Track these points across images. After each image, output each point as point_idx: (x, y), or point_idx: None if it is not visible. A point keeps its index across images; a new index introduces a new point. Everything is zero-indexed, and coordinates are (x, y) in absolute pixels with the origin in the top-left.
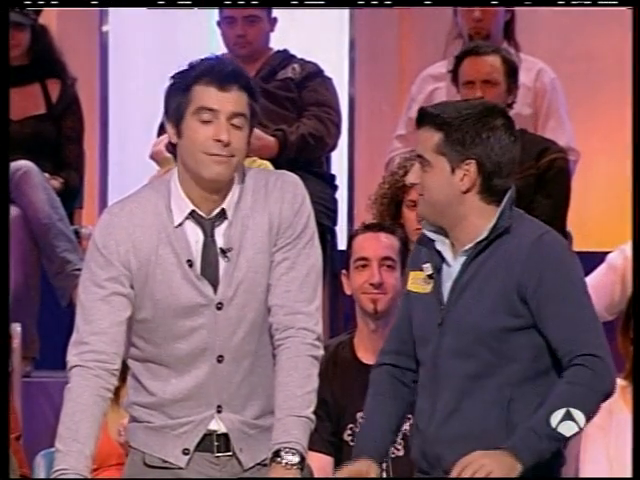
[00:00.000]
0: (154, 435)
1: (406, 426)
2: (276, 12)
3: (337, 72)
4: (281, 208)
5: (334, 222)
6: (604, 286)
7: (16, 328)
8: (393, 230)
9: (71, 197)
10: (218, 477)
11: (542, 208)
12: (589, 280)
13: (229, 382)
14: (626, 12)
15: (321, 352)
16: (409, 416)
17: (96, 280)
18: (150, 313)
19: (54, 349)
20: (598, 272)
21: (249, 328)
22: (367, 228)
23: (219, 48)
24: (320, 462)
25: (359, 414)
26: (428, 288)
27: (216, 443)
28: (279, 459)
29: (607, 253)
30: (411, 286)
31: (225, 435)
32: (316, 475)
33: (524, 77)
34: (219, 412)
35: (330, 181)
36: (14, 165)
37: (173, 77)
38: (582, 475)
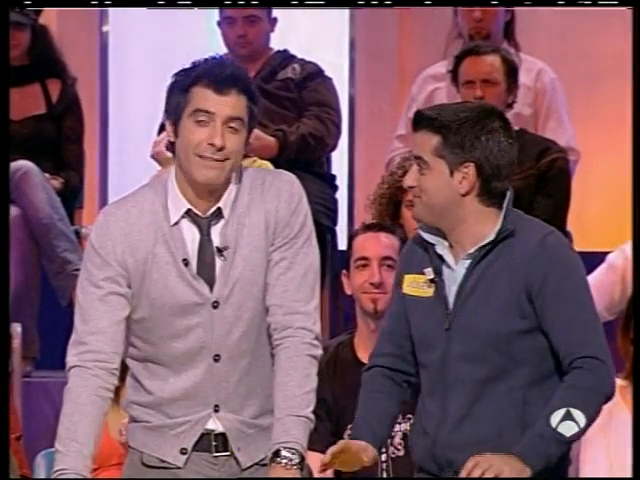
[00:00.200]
0: (152, 435)
1: (406, 426)
2: (276, 12)
3: (337, 72)
4: (278, 207)
5: (334, 222)
6: (604, 286)
7: (16, 328)
8: (393, 230)
9: (71, 197)
10: (216, 477)
11: (542, 208)
12: (589, 280)
13: (226, 381)
14: (626, 12)
15: (320, 351)
16: (409, 416)
17: (93, 280)
18: (147, 312)
19: (54, 349)
20: (598, 272)
21: (246, 327)
22: (367, 228)
23: (219, 48)
24: (320, 462)
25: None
26: (429, 292)
27: (214, 443)
28: (279, 459)
29: (607, 253)
30: (407, 289)
31: (223, 435)
32: (316, 475)
33: (524, 77)
34: (216, 411)
35: (330, 181)
36: (14, 165)
37: (175, 75)
38: (582, 475)
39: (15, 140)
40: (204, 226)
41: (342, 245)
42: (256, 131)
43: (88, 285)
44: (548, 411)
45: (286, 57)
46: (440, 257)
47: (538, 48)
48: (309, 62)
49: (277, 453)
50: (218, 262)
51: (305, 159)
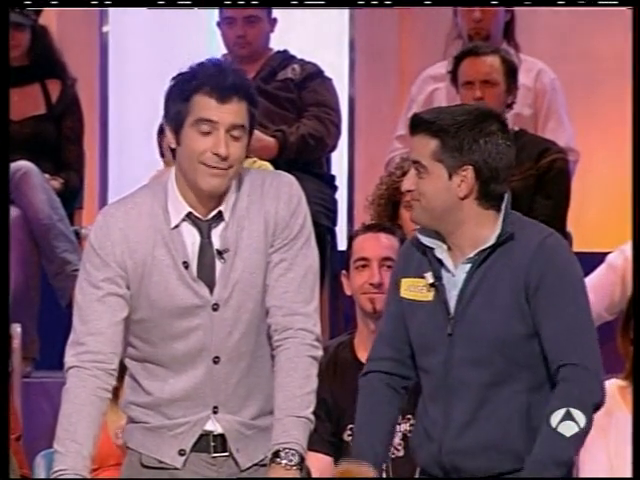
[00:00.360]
0: (150, 436)
1: (406, 426)
2: (276, 12)
3: (337, 72)
4: (277, 208)
5: (334, 222)
6: (604, 286)
7: (16, 328)
8: (393, 231)
9: (71, 197)
10: (215, 477)
11: (542, 209)
12: (589, 280)
13: (225, 383)
14: (626, 12)
15: (320, 353)
16: (409, 416)
17: (92, 281)
18: (147, 313)
19: (54, 349)
20: (598, 272)
21: (245, 329)
22: (367, 228)
23: (219, 48)
24: (320, 462)
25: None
26: (429, 296)
27: (212, 443)
28: (279, 459)
29: (606, 254)
30: (406, 293)
31: (222, 436)
32: (316, 475)
33: (524, 78)
34: (215, 413)
35: (330, 182)
36: (14, 166)
37: (174, 80)
38: (582, 475)
39: (15, 140)
40: (205, 229)
41: (342, 246)
42: (256, 132)
43: (87, 286)
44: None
45: (286, 57)
46: (439, 261)
47: (538, 48)
48: (309, 62)
49: (277, 453)
50: (218, 264)
51: (305, 159)
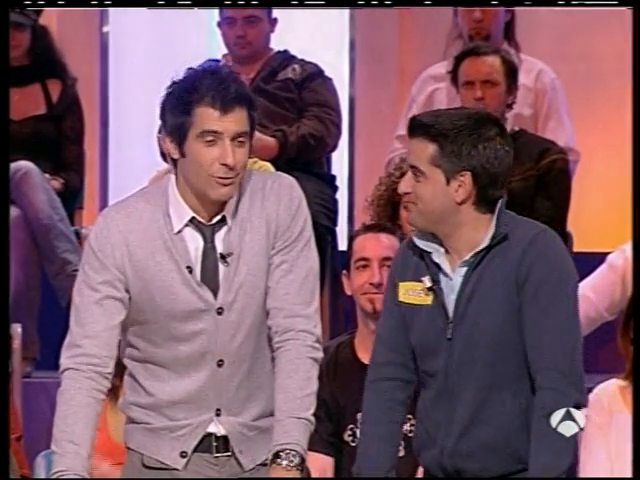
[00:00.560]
0: (151, 437)
1: (407, 426)
2: (276, 12)
3: (337, 72)
4: (278, 211)
5: (334, 223)
6: (605, 286)
7: (16, 329)
8: (393, 231)
9: (71, 197)
10: (217, 477)
11: (543, 210)
12: (590, 280)
13: (228, 385)
14: (626, 12)
15: (321, 354)
16: (409, 417)
17: (91, 283)
18: (151, 316)
19: (54, 349)
20: (599, 272)
21: (248, 331)
22: (368, 229)
23: (219, 48)
24: (320, 463)
25: (359, 414)
26: (428, 300)
27: (215, 444)
28: (279, 460)
29: (606, 254)
30: (404, 297)
31: (224, 437)
32: (316, 475)
33: (524, 78)
34: (218, 415)
35: (330, 182)
36: (14, 166)
37: (170, 90)
38: (582, 475)
39: (15, 140)
40: (208, 233)
41: (342, 246)
42: (256, 132)
43: (85, 288)
44: (533, 456)
45: (286, 57)
46: (437, 265)
47: (538, 48)
48: (309, 62)
49: (277, 454)
50: (221, 268)
51: (305, 159)
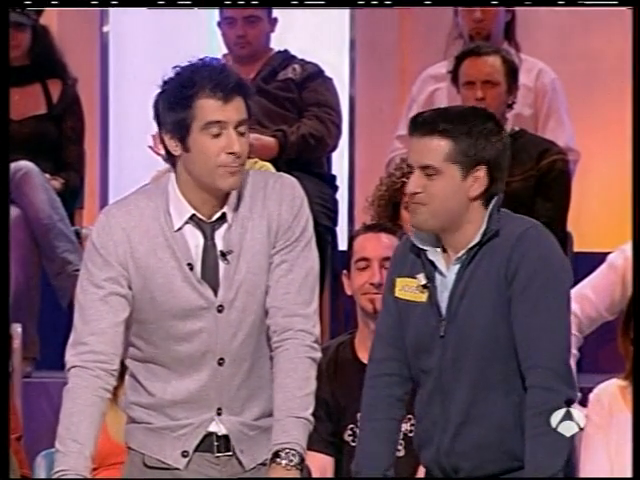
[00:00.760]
0: (153, 436)
1: (406, 426)
2: (276, 12)
3: (337, 72)
4: (280, 210)
5: (334, 223)
6: (605, 286)
7: (16, 329)
8: (394, 231)
9: (71, 197)
10: (218, 477)
11: (543, 210)
12: (590, 280)
13: (229, 385)
14: (626, 12)
15: (319, 354)
16: (409, 416)
17: (94, 280)
18: (151, 315)
19: (54, 349)
20: (599, 272)
21: (249, 330)
22: (368, 228)
23: (219, 48)
24: (320, 462)
25: (359, 414)
26: (423, 297)
27: (216, 443)
28: (279, 459)
29: (606, 254)
30: (400, 294)
31: (225, 436)
32: (316, 475)
33: (525, 78)
34: (219, 414)
35: (330, 182)
36: (15, 166)
37: (164, 87)
38: (582, 475)
39: (15, 140)
40: (208, 231)
41: (342, 246)
42: (256, 132)
43: (89, 285)
44: (528, 453)
45: (286, 57)
46: (432, 262)
47: (538, 48)
48: (309, 62)
49: (277, 454)
50: (221, 266)
51: (305, 159)
